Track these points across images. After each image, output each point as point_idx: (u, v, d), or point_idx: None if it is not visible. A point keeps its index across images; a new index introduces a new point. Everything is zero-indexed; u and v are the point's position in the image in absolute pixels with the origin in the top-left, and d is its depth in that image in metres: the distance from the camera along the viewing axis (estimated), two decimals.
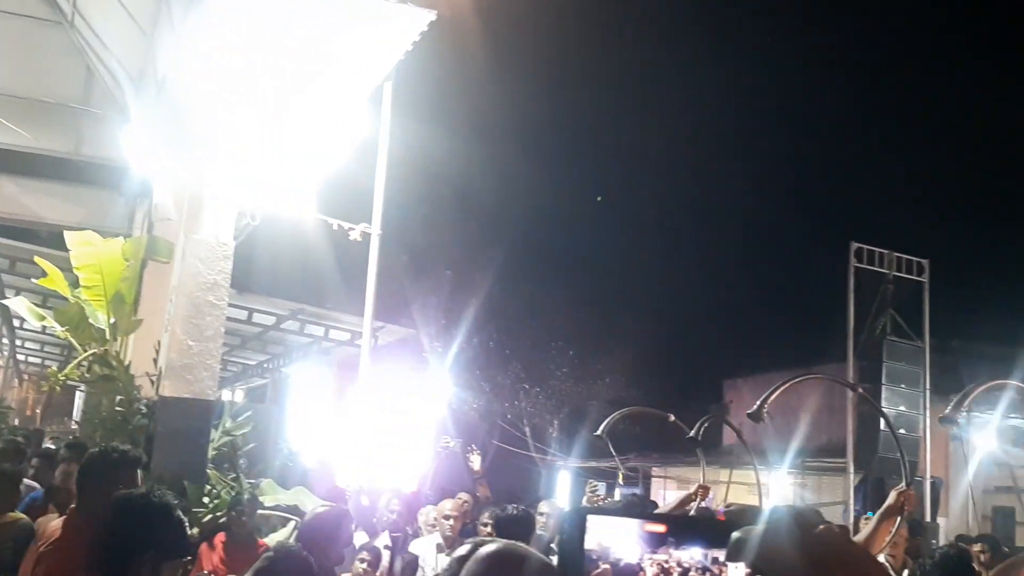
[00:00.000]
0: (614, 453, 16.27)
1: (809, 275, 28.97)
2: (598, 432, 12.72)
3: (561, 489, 25.31)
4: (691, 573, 1.25)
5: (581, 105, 31.46)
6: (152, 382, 7.32)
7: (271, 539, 7.07)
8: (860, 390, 15.72)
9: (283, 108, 7.41)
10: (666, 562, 1.24)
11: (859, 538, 4.92)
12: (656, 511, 6.94)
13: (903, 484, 5.24)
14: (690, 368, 29.66)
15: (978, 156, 33.98)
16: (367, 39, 6.89)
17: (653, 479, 26.96)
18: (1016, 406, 17.54)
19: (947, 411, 6.06)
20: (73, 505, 4.53)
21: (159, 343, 7.43)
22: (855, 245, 16.92)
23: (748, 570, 1.16)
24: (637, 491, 24.64)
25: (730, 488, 18.56)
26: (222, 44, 6.98)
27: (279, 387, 14.95)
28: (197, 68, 7.22)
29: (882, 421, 15.97)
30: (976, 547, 9.08)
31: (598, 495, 10.50)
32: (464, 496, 7.19)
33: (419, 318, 21.77)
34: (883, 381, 16.25)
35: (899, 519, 5.15)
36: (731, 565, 1.19)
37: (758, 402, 5.42)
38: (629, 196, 33.14)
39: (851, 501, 16.09)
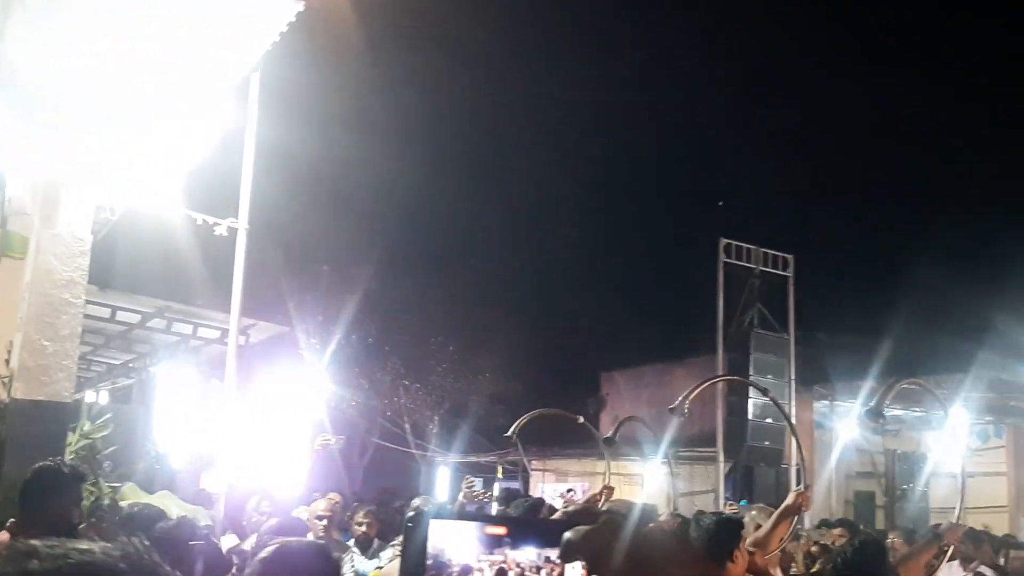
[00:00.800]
0: (522, 452, 16.48)
1: (681, 270, 29.69)
2: (508, 433, 12.84)
3: (441, 484, 25.29)
4: (526, 573, 1.25)
5: (458, 99, 31.47)
6: (4, 384, 6.96)
7: None
8: (770, 395, 16.22)
9: (144, 97, 7.14)
10: (503, 562, 1.23)
11: (759, 535, 5.05)
12: (560, 511, 6.96)
13: (801, 485, 5.50)
14: (568, 362, 30.06)
15: (839, 155, 35.44)
16: (232, 27, 6.70)
17: (532, 472, 27.20)
18: (875, 394, 18.39)
19: (871, 405, 6.39)
20: (13, 520, 4.40)
21: (11, 343, 7.06)
22: (724, 241, 17.44)
23: (584, 568, 1.16)
24: (515, 485, 24.82)
25: (606, 478, 18.85)
26: (78, 29, 6.68)
27: (146, 387, 14.44)
28: (52, 54, 6.89)
29: (750, 411, 16.51)
30: (836, 531, 9.48)
31: (474, 490, 10.52)
32: (334, 496, 7.07)
33: (295, 315, 21.38)
34: (751, 372, 16.79)
35: (796, 518, 5.38)
36: (567, 564, 1.19)
37: (680, 398, 5.62)
38: (508, 190, 33.36)
39: (721, 489, 16.58)
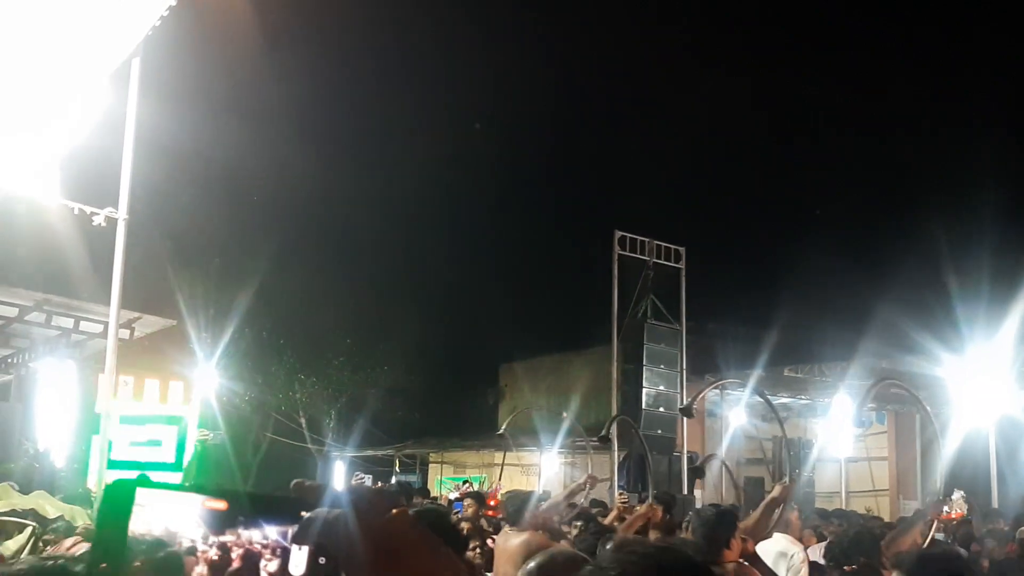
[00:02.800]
0: (512, 446, 16.43)
1: (577, 262, 30.00)
2: (500, 431, 12.67)
3: (338, 479, 25.05)
4: (267, 552, 1.17)
5: (352, 87, 31.14)
6: None
7: (6, 547, 6.57)
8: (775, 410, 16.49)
9: (15, 81, 6.86)
10: (235, 543, 1.14)
11: (748, 523, 5.49)
12: (546, 501, 7.03)
13: (786, 478, 6.20)
14: (466, 353, 30.06)
15: (729, 148, 36.33)
16: (107, 12, 6.48)
17: (431, 465, 27.17)
18: (763, 383, 18.90)
19: (854, 411, 7.37)
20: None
21: None
22: (618, 233, 17.67)
23: (310, 552, 1.11)
24: (413, 478, 24.74)
25: (504, 469, 18.98)
26: None
27: (25, 384, 13.89)
28: None
29: (643, 400, 16.78)
30: None
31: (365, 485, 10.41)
32: None
33: (185, 308, 20.82)
34: (644, 362, 17.04)
35: (782, 507, 5.93)
36: (295, 547, 1.12)
37: (689, 400, 6.19)
38: (405, 182, 33.13)
39: (615, 477, 16.81)
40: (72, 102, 7.09)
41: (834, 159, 34.80)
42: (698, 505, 17.29)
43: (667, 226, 20.05)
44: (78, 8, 6.32)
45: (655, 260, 18.12)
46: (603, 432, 13.89)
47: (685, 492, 16.67)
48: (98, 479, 9.35)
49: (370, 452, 26.80)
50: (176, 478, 12.63)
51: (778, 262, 27.26)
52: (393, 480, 21.27)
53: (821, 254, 24.12)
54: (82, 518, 7.04)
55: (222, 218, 23.84)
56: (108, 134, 8.62)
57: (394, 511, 1.05)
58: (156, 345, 15.31)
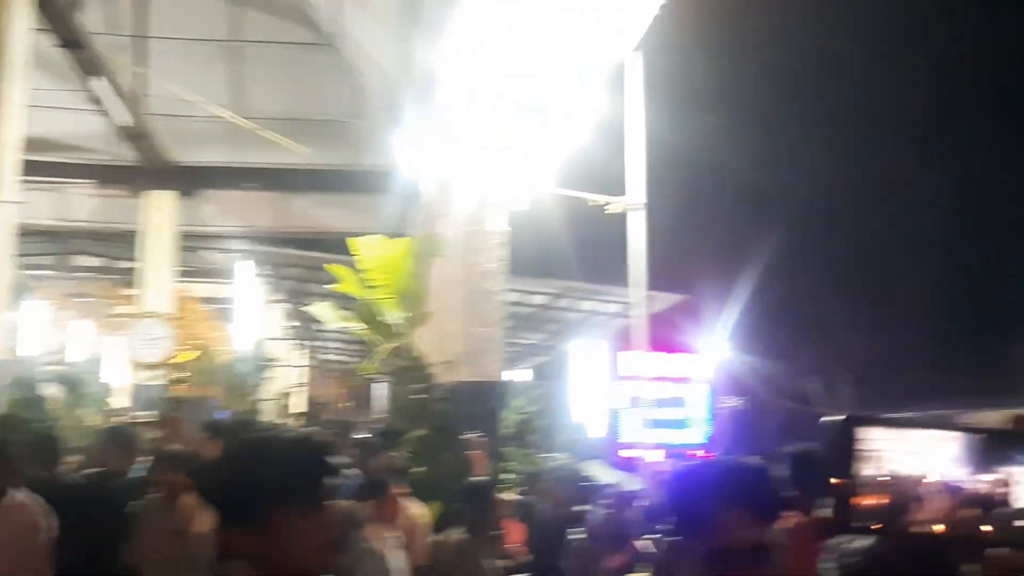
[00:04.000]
0: None
1: None
2: None
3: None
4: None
5: (865, 67, 29.36)
6: (443, 370, 7.72)
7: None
8: None
9: (534, 88, 7.56)
10: (997, 480, 1.08)
11: None
12: None
13: None
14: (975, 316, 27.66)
15: None
16: (610, 8, 6.91)
17: None
18: None
19: None
20: None
21: (446, 333, 7.81)
22: None
23: None
24: None
25: None
26: (475, 35, 7.23)
27: (559, 364, 15.34)
28: (454, 65, 7.52)
29: None
30: None
31: None
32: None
33: (693, 284, 21.51)
34: None
35: None
36: None
37: None
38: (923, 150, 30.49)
39: None
40: (583, 102, 7.65)
41: None
42: None
43: None
44: (584, 11, 6.81)
45: None
46: None
47: None
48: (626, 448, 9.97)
49: (901, 414, 25.72)
50: (703, 443, 13.18)
51: None
52: None
53: None
54: (631, 485, 7.62)
55: (723, 202, 24.18)
56: (603, 126, 9.15)
57: None
58: (669, 320, 15.98)
